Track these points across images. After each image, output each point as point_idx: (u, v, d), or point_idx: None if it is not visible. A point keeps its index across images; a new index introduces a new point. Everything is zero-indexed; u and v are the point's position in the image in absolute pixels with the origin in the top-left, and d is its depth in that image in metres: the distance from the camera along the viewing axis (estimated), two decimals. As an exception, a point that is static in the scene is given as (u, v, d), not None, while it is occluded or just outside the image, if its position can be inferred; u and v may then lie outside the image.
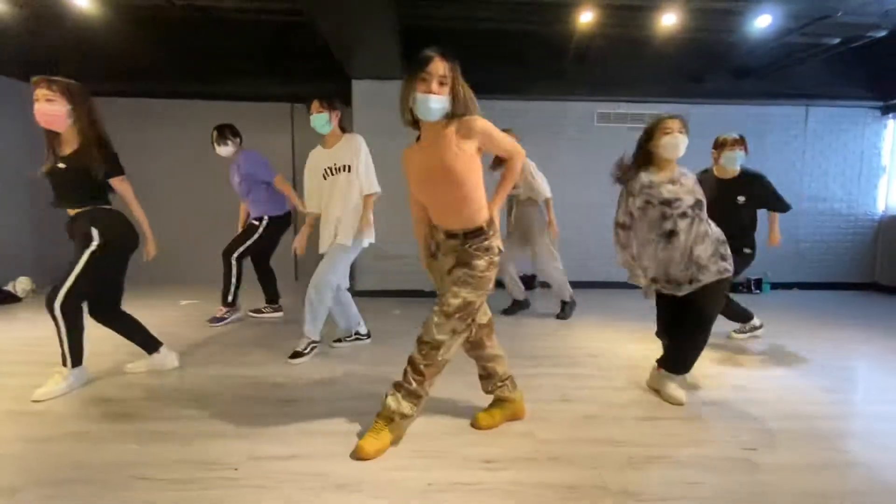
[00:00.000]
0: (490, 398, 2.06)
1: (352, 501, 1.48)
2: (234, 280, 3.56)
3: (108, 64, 4.39)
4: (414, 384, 1.75)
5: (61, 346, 2.19)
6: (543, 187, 3.80)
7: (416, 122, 1.75)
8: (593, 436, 1.93)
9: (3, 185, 4.45)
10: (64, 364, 2.23)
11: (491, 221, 1.82)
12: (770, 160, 5.30)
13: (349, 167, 2.72)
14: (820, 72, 4.97)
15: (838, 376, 2.71)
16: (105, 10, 3.41)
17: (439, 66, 1.64)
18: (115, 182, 2.26)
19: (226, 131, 3.51)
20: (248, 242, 3.58)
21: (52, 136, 2.17)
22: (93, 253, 2.17)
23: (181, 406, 2.15)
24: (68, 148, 2.17)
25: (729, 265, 2.21)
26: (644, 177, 2.25)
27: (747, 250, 3.03)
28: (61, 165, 2.15)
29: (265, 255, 3.77)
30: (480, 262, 1.77)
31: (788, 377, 2.65)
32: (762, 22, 3.31)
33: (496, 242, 1.82)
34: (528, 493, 1.54)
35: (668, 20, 3.31)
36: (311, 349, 2.80)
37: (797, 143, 5.30)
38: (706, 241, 2.18)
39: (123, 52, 4.13)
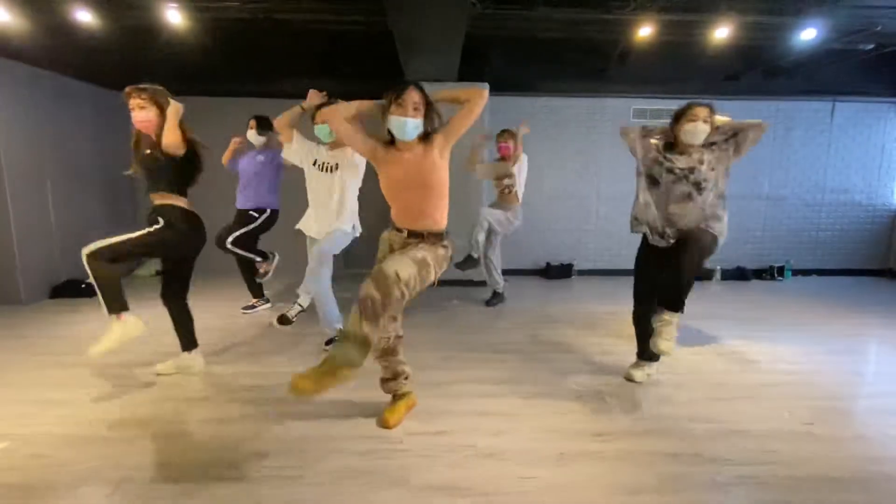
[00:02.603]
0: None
1: (508, 467, 1.87)
2: (247, 261, 3.76)
3: (178, 67, 4.64)
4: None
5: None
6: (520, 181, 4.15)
7: (392, 140, 1.99)
8: (675, 413, 2.31)
9: (101, 186, 4.76)
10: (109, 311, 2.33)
11: (447, 232, 2.06)
12: (797, 153, 5.61)
13: (338, 165, 2.92)
14: (847, 70, 5.21)
15: (866, 360, 3.12)
16: (191, 23, 3.65)
17: (414, 95, 1.88)
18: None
19: (267, 122, 3.70)
20: (244, 230, 3.69)
21: (142, 136, 2.44)
22: (150, 232, 2.41)
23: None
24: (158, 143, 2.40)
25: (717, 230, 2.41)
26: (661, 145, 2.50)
27: None
28: (151, 153, 2.40)
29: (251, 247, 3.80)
30: (438, 250, 1.98)
31: (827, 362, 3.02)
32: (807, 35, 3.57)
33: (451, 250, 2.05)
34: (641, 459, 1.93)
35: (721, 33, 3.56)
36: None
37: (823, 138, 5.58)
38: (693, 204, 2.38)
39: (193, 57, 4.37)
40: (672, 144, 2.47)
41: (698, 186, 2.39)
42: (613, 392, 2.54)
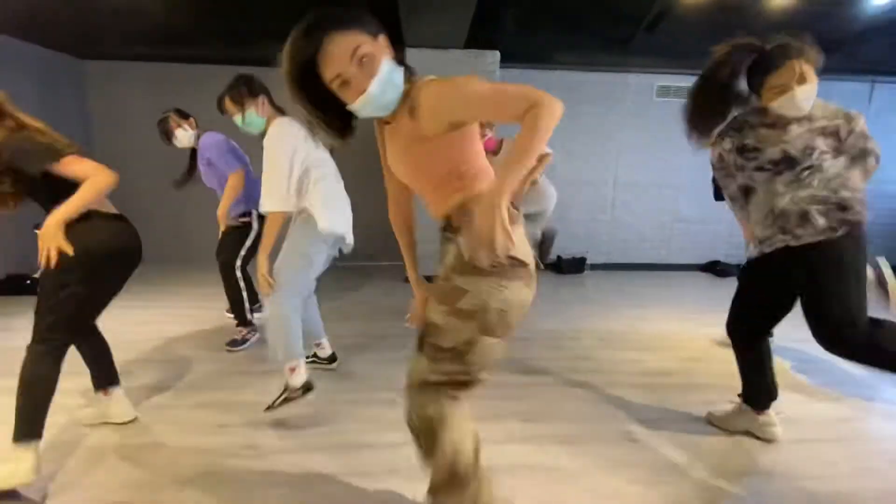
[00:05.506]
0: None
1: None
2: (244, 294, 2.92)
3: (139, 28, 3.97)
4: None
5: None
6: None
7: None
8: (784, 489, 1.85)
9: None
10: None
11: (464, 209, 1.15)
12: (831, 139, 5.14)
13: None
14: (889, 47, 4.72)
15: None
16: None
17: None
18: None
19: (169, 121, 2.88)
20: (248, 244, 2.88)
21: None
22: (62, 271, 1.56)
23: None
24: None
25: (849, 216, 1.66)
26: None
27: None
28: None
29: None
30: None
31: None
32: (880, 0, 3.05)
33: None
34: None
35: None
36: (283, 398, 2.08)
37: (859, 122, 5.12)
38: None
39: (157, 16, 3.70)
40: None
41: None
42: (679, 437, 2.06)
